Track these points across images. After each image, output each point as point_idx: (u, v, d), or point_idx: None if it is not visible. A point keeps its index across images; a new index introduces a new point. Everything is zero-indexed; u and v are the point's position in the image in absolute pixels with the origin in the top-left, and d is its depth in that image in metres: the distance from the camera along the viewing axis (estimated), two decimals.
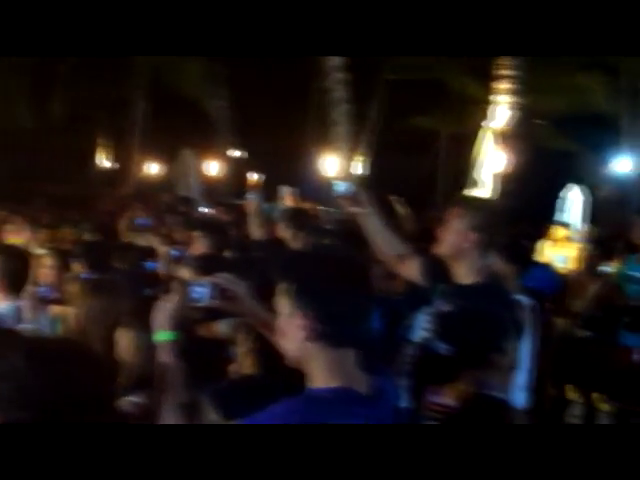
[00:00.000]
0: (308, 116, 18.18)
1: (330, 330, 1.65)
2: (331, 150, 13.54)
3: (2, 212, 12.29)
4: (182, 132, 16.87)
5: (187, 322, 1.99)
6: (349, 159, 12.88)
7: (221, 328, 2.98)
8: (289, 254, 2.42)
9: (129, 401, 2.23)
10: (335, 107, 12.51)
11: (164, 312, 1.96)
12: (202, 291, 1.98)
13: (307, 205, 8.47)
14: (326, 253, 1.89)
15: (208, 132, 18.88)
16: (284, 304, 1.71)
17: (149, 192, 15.48)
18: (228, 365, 2.67)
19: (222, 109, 19.16)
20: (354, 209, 3.08)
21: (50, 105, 20.30)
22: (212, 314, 2.28)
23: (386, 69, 16.01)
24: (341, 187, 3.05)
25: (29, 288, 3.34)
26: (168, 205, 10.65)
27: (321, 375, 1.69)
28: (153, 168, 21.10)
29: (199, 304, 2.00)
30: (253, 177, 9.21)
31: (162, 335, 1.95)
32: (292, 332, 1.70)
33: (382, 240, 3.12)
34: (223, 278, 2.04)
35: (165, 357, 1.92)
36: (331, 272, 1.69)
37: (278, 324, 1.76)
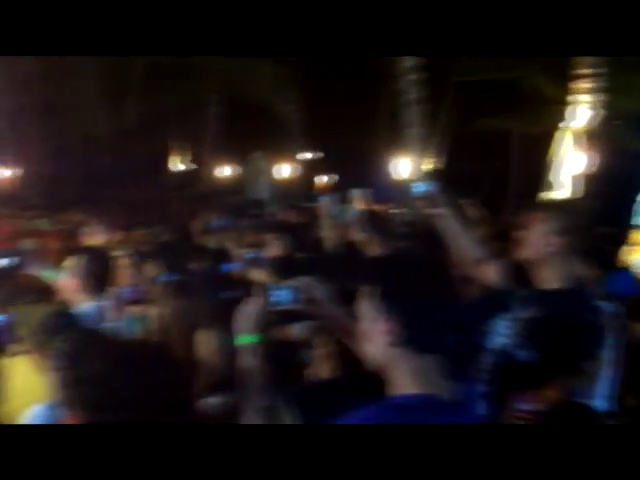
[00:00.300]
0: (379, 118, 18.13)
1: (415, 336, 1.63)
2: (403, 152, 13.45)
3: (80, 215, 12.74)
4: (254, 135, 17.07)
5: (268, 325, 2.00)
6: (421, 161, 12.75)
7: (295, 331, 2.98)
8: (373, 257, 2.41)
9: (209, 402, 2.26)
10: (407, 109, 12.40)
11: (246, 315, 1.98)
12: (283, 294, 1.99)
13: (379, 207, 8.43)
14: (410, 256, 1.87)
15: (279, 135, 19.07)
16: (367, 308, 1.70)
17: (221, 195, 15.72)
18: (302, 368, 2.68)
19: (293, 112, 19.31)
20: (433, 210, 3.04)
21: (125, 110, 20.89)
22: (287, 317, 2.29)
23: (456, 70, 15.83)
24: (420, 188, 3.01)
25: (112, 289, 3.44)
26: (240, 208, 10.79)
27: (404, 382, 1.66)
28: (225, 171, 21.44)
29: (280, 307, 2.01)
30: (324, 180, 9.24)
31: (245, 338, 1.97)
32: (375, 337, 1.68)
33: (460, 243, 3.06)
34: (304, 281, 2.05)
35: (247, 360, 1.94)
36: (416, 276, 1.66)
37: (360, 329, 1.74)
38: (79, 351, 2.16)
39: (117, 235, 8.03)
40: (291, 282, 2.02)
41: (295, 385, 2.27)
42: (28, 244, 10.26)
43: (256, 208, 10.23)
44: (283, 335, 3.01)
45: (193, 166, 22.67)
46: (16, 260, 7.72)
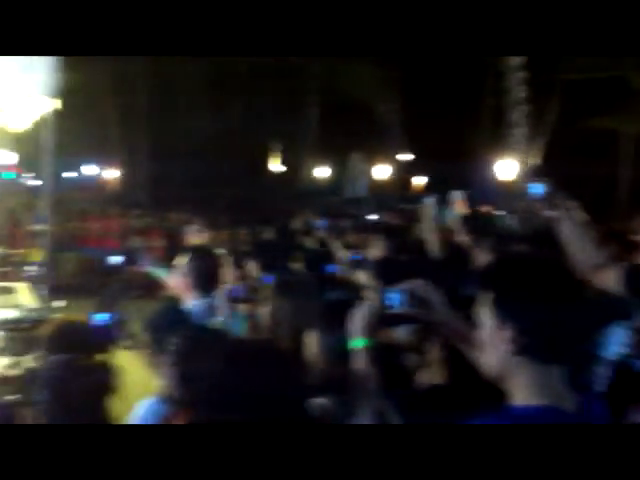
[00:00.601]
0: (480, 118, 17.78)
1: (536, 344, 1.56)
2: (506, 152, 13.11)
3: (183, 214, 13.16)
4: (352, 136, 17.09)
5: (379, 329, 1.97)
6: (526, 162, 12.39)
7: (399, 334, 2.93)
8: (489, 261, 2.33)
9: (317, 403, 2.25)
10: (512, 108, 12.08)
11: (359, 319, 1.96)
12: (396, 297, 1.96)
13: (481, 210, 8.25)
14: (531, 260, 1.79)
15: (378, 135, 19.01)
16: (486, 315, 1.64)
17: (319, 195, 15.85)
18: (408, 373, 2.63)
19: (393, 112, 19.21)
20: (550, 212, 2.91)
21: (226, 111, 21.38)
22: (394, 320, 2.25)
23: (562, 68, 15.31)
24: (536, 189, 2.88)
25: (221, 287, 3.50)
26: (337, 208, 10.83)
27: (525, 392, 1.59)
28: (323, 172, 21.58)
29: (392, 311, 1.98)
30: (422, 181, 9.14)
31: (357, 342, 1.95)
32: (494, 345, 1.61)
33: (577, 246, 2.92)
34: (417, 285, 2.00)
35: (360, 364, 1.92)
36: (539, 281, 1.59)
37: (477, 336, 1.68)
38: (192, 348, 2.20)
39: (218, 234, 8.23)
40: (404, 285, 1.98)
41: (404, 390, 2.23)
42: (136, 242, 10.69)
43: (353, 208, 10.25)
44: (387, 338, 2.97)
45: (292, 166, 22.94)
46: (127, 258, 8.03)
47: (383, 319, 2.00)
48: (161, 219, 12.97)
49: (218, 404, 1.99)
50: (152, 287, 5.51)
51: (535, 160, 14.64)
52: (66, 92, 4.46)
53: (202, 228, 9.19)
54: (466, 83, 16.83)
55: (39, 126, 5.56)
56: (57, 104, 4.56)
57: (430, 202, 5.16)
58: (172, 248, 8.68)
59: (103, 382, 2.08)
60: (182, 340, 2.21)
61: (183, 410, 2.15)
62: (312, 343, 2.44)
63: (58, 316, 4.14)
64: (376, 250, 4.37)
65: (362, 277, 3.77)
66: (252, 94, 20.23)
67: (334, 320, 2.48)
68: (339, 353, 2.19)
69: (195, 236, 8.94)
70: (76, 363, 2.01)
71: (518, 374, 1.59)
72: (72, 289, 5.51)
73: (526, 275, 1.64)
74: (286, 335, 2.80)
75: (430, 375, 2.31)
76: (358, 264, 3.91)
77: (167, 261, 5.59)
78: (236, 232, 8.43)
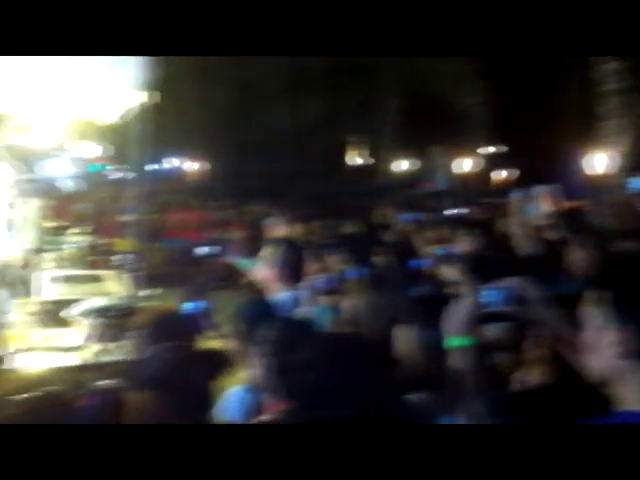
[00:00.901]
0: (568, 110, 17.21)
1: None
2: (596, 146, 12.61)
3: (262, 206, 13.29)
4: (432, 129, 16.88)
5: (478, 327, 1.92)
6: (619, 155, 11.87)
7: (493, 333, 2.86)
8: (605, 259, 2.24)
9: (409, 399, 2.21)
10: (604, 99, 11.60)
11: (458, 316, 1.91)
12: (494, 295, 1.91)
13: (569, 205, 7.98)
14: None
15: (460, 128, 18.70)
16: (593, 315, 1.57)
17: (399, 189, 15.72)
18: (500, 373, 2.56)
19: (476, 105, 18.84)
20: None
21: (305, 106, 21.48)
22: (492, 318, 2.19)
23: None
24: (637, 183, 2.75)
25: (306, 278, 3.51)
26: (418, 201, 10.71)
27: (634, 397, 1.52)
28: (403, 165, 21.43)
29: (490, 309, 1.93)
30: (504, 175, 8.92)
31: (456, 340, 1.90)
32: (602, 347, 1.54)
33: None
34: (516, 282, 1.94)
35: (458, 362, 1.87)
36: None
37: (583, 337, 1.61)
38: (286, 340, 2.20)
39: (297, 227, 8.26)
40: (502, 282, 1.93)
41: (500, 392, 2.16)
42: (218, 234, 10.89)
43: (434, 202, 10.10)
44: (481, 337, 2.90)
45: (371, 160, 22.87)
46: (214, 249, 8.21)
47: (481, 317, 1.95)
48: (241, 211, 13.14)
49: (310, 395, 1.99)
50: (236, 278, 5.58)
51: (629, 153, 14.04)
52: (151, 86, 4.56)
53: (281, 220, 9.27)
54: (553, 74, 16.32)
55: (125, 119, 5.71)
56: (144, 98, 4.66)
57: (518, 196, 5.03)
58: (253, 240, 8.79)
59: (213, 369, 2.11)
60: (275, 331, 2.21)
61: (277, 401, 2.15)
62: (403, 338, 2.40)
63: (148, 304, 4.24)
64: (464, 245, 4.29)
65: (449, 272, 3.70)
66: (331, 88, 20.24)
67: (426, 315, 2.44)
68: (432, 349, 2.15)
69: (275, 228, 9.03)
70: (186, 350, 2.04)
71: (628, 378, 1.52)
72: (157, 279, 5.64)
73: None
74: (373, 328, 2.77)
75: (526, 376, 2.25)
76: (444, 259, 3.83)
77: (249, 253, 5.66)
78: (315, 225, 8.44)
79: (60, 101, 5.78)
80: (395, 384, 2.02)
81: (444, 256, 3.99)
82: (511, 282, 1.93)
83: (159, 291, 5.06)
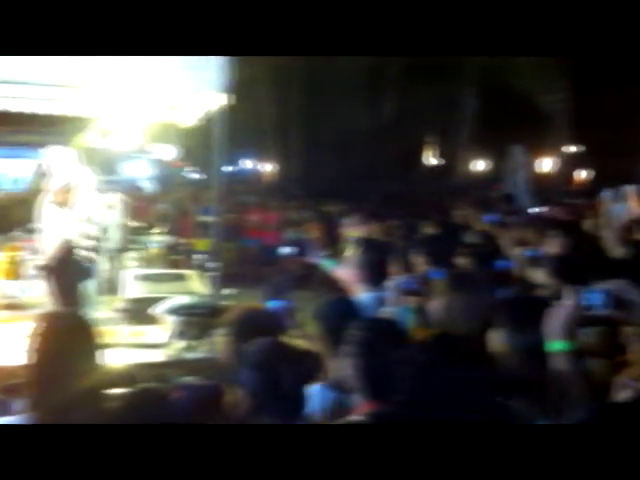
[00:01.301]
0: None
1: None
2: None
3: (339, 206, 13.30)
4: (512, 127, 16.50)
5: (577, 331, 1.84)
6: None
7: (588, 337, 2.75)
8: None
9: (506, 403, 2.15)
10: None
11: (559, 320, 1.84)
12: (596, 298, 1.83)
13: None
14: None
15: (540, 127, 18.23)
16: None
17: (476, 189, 15.45)
18: (596, 379, 2.45)
19: (557, 103, 18.33)
20: None
21: (382, 105, 21.39)
22: (592, 322, 2.10)
23: None
24: None
25: (390, 279, 3.47)
26: (497, 202, 10.48)
27: None
28: (481, 165, 21.08)
29: (592, 312, 1.84)
30: (586, 175, 8.63)
31: (558, 344, 1.83)
32: None
33: None
34: (618, 285, 1.86)
35: (559, 367, 1.80)
36: None
37: None
38: (375, 340, 2.18)
39: (374, 227, 8.21)
40: (604, 285, 1.84)
41: (604, 396, 2.07)
42: (295, 234, 10.96)
43: (514, 203, 9.86)
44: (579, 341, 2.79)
45: (448, 160, 22.58)
46: (292, 249, 8.26)
47: (581, 320, 1.87)
48: (317, 211, 13.18)
49: (403, 398, 1.96)
50: (318, 278, 5.59)
51: None
52: (228, 88, 4.61)
53: (358, 220, 9.24)
54: (637, 71, 15.71)
55: (203, 121, 5.79)
56: (223, 100, 4.71)
57: (607, 197, 4.85)
58: (331, 240, 8.80)
59: (310, 369, 2.10)
60: (365, 332, 2.18)
61: (366, 402, 2.13)
62: (497, 341, 2.33)
63: (232, 303, 4.28)
64: (552, 247, 4.16)
65: (537, 275, 3.60)
66: (408, 87, 20.09)
67: (518, 318, 2.37)
68: (529, 353, 2.08)
69: (352, 228, 9.01)
70: (284, 349, 2.04)
71: None
72: (236, 278, 5.72)
73: None
74: (461, 331, 2.71)
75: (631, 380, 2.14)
76: (532, 261, 3.72)
77: (328, 253, 5.66)
78: (392, 225, 8.36)
79: (141, 104, 5.93)
80: (489, 387, 1.96)
81: (532, 258, 3.88)
82: (613, 285, 1.84)
83: (239, 290, 5.11)
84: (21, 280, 5.06)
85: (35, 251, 5.31)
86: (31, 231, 5.64)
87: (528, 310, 2.24)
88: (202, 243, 9.56)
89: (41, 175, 5.56)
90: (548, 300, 2.22)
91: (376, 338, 2.16)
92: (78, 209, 5.23)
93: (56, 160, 5.23)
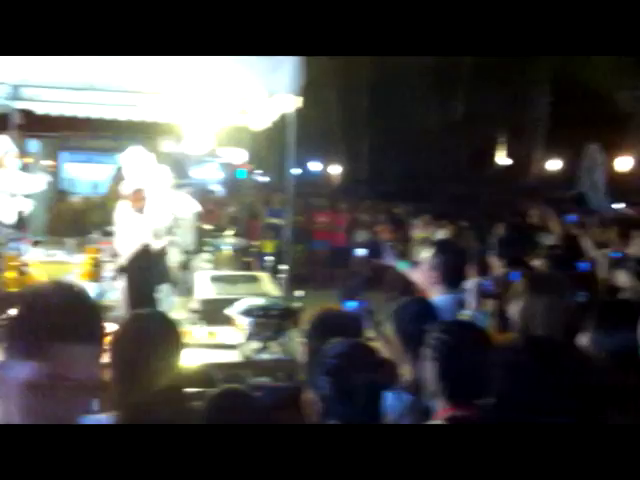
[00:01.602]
0: None
1: None
2: None
3: (408, 207, 13.21)
4: (587, 125, 16.00)
5: None
6: None
7: None
8: None
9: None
10: None
11: None
12: None
13: None
14: None
15: (617, 125, 17.62)
16: None
17: (550, 189, 15.11)
18: None
19: (637, 99, 17.68)
20: None
21: (451, 103, 21.13)
22: None
23: None
24: None
25: (467, 281, 3.40)
26: (572, 202, 10.22)
27: None
28: (554, 164, 20.58)
29: None
30: None
31: None
32: None
33: None
34: None
35: None
36: None
37: None
38: (457, 344, 2.13)
39: (445, 228, 8.11)
40: None
41: None
42: (366, 235, 10.93)
43: (583, 203, 9.58)
44: None
45: (520, 159, 22.09)
46: (364, 250, 8.23)
47: None
48: (386, 213, 13.12)
49: (487, 403, 1.89)
50: (393, 279, 5.55)
51: None
52: (298, 92, 4.61)
53: (429, 222, 9.15)
54: None
55: (273, 124, 5.83)
56: (294, 103, 4.72)
57: None
58: (401, 241, 8.73)
59: (385, 378, 2.06)
60: (446, 334, 2.14)
61: (447, 407, 2.08)
62: (587, 344, 2.24)
63: (308, 304, 4.28)
64: (637, 248, 4.00)
65: (621, 276, 3.47)
66: (477, 85, 19.77)
67: (607, 322, 2.28)
68: (623, 357, 1.99)
69: (422, 230, 8.93)
70: (360, 355, 2.00)
71: None
72: (305, 279, 5.72)
73: None
74: (545, 334, 2.63)
75: None
76: (616, 262, 3.59)
77: (400, 254, 5.60)
78: (463, 227, 8.24)
79: (213, 109, 6.02)
80: (580, 392, 1.88)
81: (617, 259, 3.74)
82: None
83: (310, 292, 5.12)
84: (99, 282, 5.19)
85: (112, 254, 5.44)
86: (108, 234, 5.80)
87: (621, 313, 2.15)
88: (270, 245, 9.67)
89: (118, 179, 5.71)
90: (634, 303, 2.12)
91: (458, 341, 2.11)
92: (153, 212, 5.34)
93: (133, 164, 5.35)
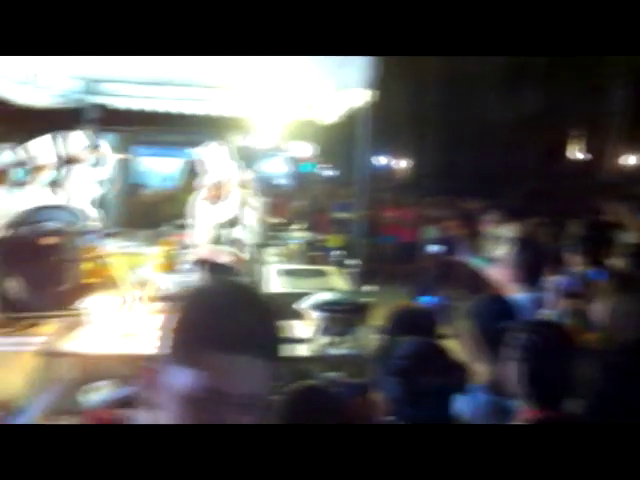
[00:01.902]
0: None
1: None
2: None
3: (477, 203, 12.95)
4: None
5: None
6: None
7: None
8: None
9: None
10: None
11: None
12: None
13: None
14: None
15: None
16: None
17: (627, 185, 14.62)
18: None
19: None
20: None
21: (524, 97, 20.65)
22: None
23: None
24: None
25: (548, 279, 3.28)
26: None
27: None
28: (632, 159, 19.91)
29: None
30: None
31: None
32: None
33: None
34: None
35: None
36: None
37: None
38: (543, 344, 2.03)
39: (516, 224, 7.89)
40: None
41: None
42: (436, 231, 10.78)
43: None
44: None
45: (595, 154, 21.43)
46: (436, 247, 8.14)
47: None
48: (457, 208, 12.91)
49: (572, 407, 1.81)
50: (469, 277, 5.43)
51: None
52: (367, 86, 4.54)
53: (500, 218, 8.93)
54: None
55: (342, 119, 5.78)
56: (364, 97, 4.65)
57: None
58: (472, 237, 8.55)
59: (457, 382, 1.98)
60: (531, 334, 2.04)
61: (530, 409, 1.99)
62: None
63: (378, 300, 4.22)
64: None
65: None
66: (551, 78, 19.26)
67: None
68: None
69: (490, 225, 8.72)
70: (433, 356, 1.93)
71: None
72: (373, 274, 5.64)
73: None
74: (625, 333, 2.51)
75: None
76: None
77: (473, 250, 5.48)
78: (538, 223, 8.01)
79: (282, 103, 6.02)
80: None
81: None
82: None
83: (382, 287, 5.05)
84: (174, 274, 5.24)
85: (185, 246, 5.49)
86: (180, 226, 5.86)
87: None
88: (337, 239, 9.62)
89: (192, 172, 5.77)
90: None
91: (546, 342, 2.01)
92: (228, 205, 5.38)
93: (210, 157, 5.40)
